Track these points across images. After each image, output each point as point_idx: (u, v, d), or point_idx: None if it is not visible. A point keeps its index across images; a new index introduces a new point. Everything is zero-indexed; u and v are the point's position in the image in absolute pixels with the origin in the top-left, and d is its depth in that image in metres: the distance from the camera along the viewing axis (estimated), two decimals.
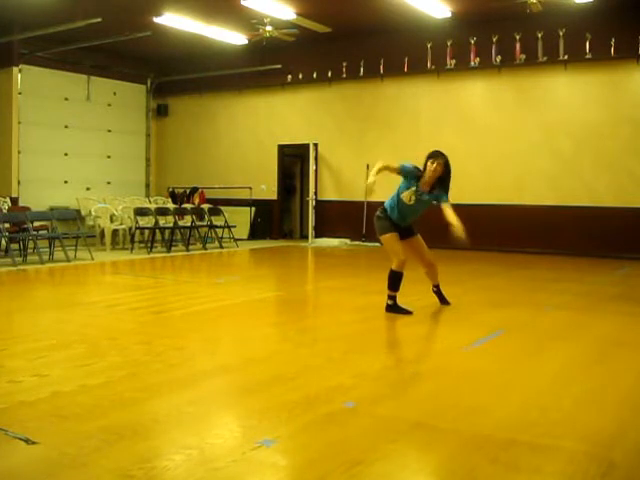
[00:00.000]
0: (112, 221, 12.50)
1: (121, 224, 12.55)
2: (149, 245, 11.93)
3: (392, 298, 5.95)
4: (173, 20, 11.97)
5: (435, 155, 5.76)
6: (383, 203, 6.03)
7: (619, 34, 11.01)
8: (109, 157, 15.39)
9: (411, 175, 5.79)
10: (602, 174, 11.37)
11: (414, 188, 5.77)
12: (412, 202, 5.81)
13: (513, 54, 11.99)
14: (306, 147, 14.16)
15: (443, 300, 6.36)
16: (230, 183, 15.20)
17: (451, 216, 5.64)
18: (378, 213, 6.00)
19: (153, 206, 13.01)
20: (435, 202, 5.83)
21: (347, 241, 13.67)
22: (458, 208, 13.80)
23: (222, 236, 13.00)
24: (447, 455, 2.84)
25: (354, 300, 6.94)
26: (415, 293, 6.65)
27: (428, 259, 6.20)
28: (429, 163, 5.73)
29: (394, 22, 12.23)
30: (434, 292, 6.42)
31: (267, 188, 14.89)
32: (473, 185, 12.42)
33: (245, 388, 3.81)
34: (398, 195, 5.85)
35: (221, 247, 12.66)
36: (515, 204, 12.08)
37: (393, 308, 5.93)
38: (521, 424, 3.19)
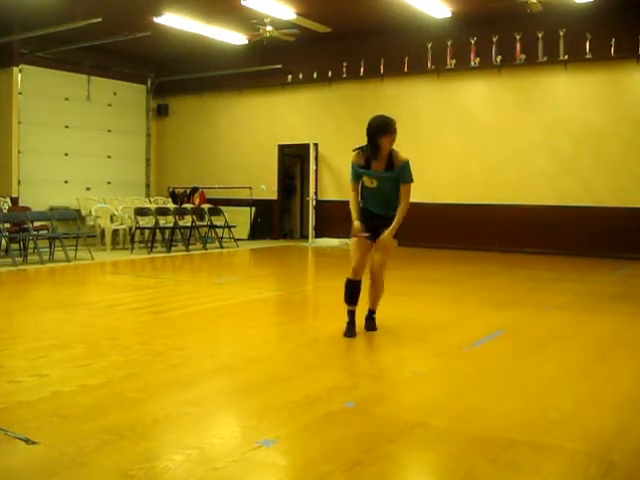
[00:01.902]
0: (112, 221, 12.50)
1: (121, 224, 12.55)
2: (149, 245, 11.93)
3: (349, 313, 5.10)
4: (173, 20, 11.97)
5: (391, 127, 4.81)
6: None
7: (619, 34, 11.01)
8: (109, 157, 15.39)
9: (359, 170, 4.94)
10: (602, 174, 11.36)
11: (370, 173, 4.90)
12: (375, 184, 4.92)
13: (513, 54, 11.98)
14: (306, 147, 14.16)
15: (370, 327, 5.19)
16: (230, 183, 15.20)
17: (395, 221, 4.89)
18: None
19: (153, 206, 13.01)
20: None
21: (347, 241, 13.64)
22: (459, 208, 13.83)
23: (222, 236, 13.00)
24: (447, 455, 2.84)
25: None
26: (414, 292, 6.64)
27: (371, 266, 5.06)
28: (385, 138, 4.77)
29: (394, 22, 12.23)
30: (367, 318, 5.23)
31: (267, 188, 14.89)
32: (473, 185, 12.43)
33: (245, 388, 3.81)
34: (362, 186, 5.01)
35: (221, 247, 12.66)
36: (515, 204, 12.08)
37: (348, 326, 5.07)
38: (521, 424, 3.19)
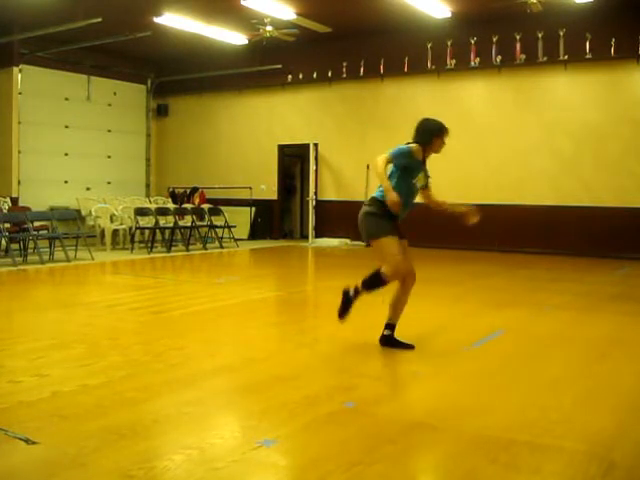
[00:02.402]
0: (112, 221, 12.50)
1: (121, 224, 12.55)
2: (149, 245, 11.93)
3: (356, 292, 4.74)
4: (173, 20, 11.96)
5: (445, 128, 4.73)
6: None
7: (619, 34, 11.00)
8: (109, 157, 15.38)
9: (419, 165, 4.67)
10: (602, 174, 11.36)
11: (426, 171, 4.77)
12: (420, 183, 4.72)
13: (513, 54, 11.98)
14: (306, 147, 14.15)
15: (404, 344, 4.64)
16: (230, 183, 15.20)
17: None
18: (370, 209, 4.62)
19: (153, 206, 13.01)
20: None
21: (347, 241, 13.67)
22: None
23: (222, 236, 13.00)
24: (447, 455, 2.84)
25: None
26: (414, 292, 6.63)
27: (412, 269, 4.67)
28: (440, 140, 4.71)
29: (394, 22, 12.22)
30: (386, 340, 4.65)
31: (267, 188, 14.89)
32: (473, 185, 12.42)
33: (245, 388, 3.81)
34: (405, 180, 4.58)
35: (221, 247, 12.66)
36: (515, 204, 12.07)
37: (345, 302, 4.76)
38: (521, 424, 3.19)
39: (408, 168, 4.60)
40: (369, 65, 13.42)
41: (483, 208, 13.83)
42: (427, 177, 4.80)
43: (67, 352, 4.55)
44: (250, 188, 14.91)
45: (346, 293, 4.78)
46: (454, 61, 12.54)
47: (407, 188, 4.61)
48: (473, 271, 9.59)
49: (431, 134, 4.69)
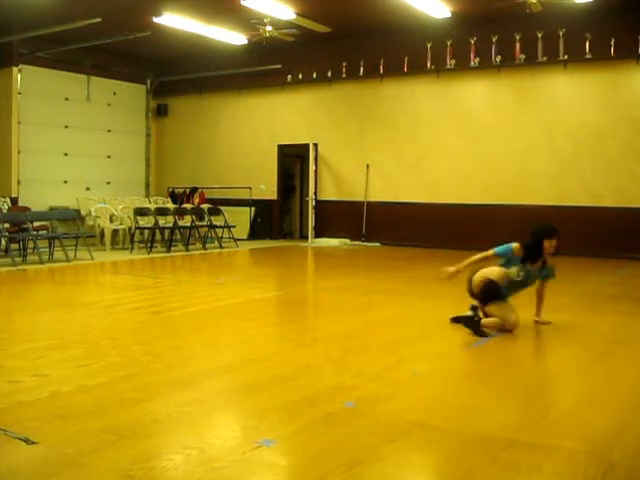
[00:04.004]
0: (112, 221, 12.49)
1: (121, 224, 12.55)
2: (149, 245, 11.93)
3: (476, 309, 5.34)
4: (173, 20, 11.96)
5: (554, 231, 5.45)
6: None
7: (619, 34, 11.00)
8: (109, 157, 15.38)
9: (510, 257, 5.45)
10: (602, 174, 11.36)
11: (520, 266, 5.40)
12: (520, 277, 5.38)
13: (513, 54, 11.98)
14: (306, 147, 14.15)
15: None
16: (230, 183, 15.20)
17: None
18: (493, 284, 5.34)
19: (153, 206, 13.00)
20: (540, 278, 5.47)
21: (347, 241, 13.67)
22: (459, 208, 13.74)
23: (222, 236, 13.00)
24: (447, 455, 2.84)
25: (354, 300, 6.95)
26: (414, 292, 6.64)
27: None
28: (547, 242, 5.40)
29: (394, 22, 12.23)
30: (476, 318, 5.25)
31: (267, 188, 14.89)
32: (473, 185, 12.42)
33: (245, 388, 3.81)
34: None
35: (221, 247, 12.66)
36: (515, 204, 12.07)
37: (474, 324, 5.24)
38: (521, 424, 3.19)
39: (507, 263, 5.39)
40: (369, 65, 13.42)
41: (483, 208, 13.89)
42: (543, 274, 5.48)
43: (66, 352, 4.55)
44: (250, 188, 14.91)
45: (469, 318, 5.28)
46: (454, 61, 12.54)
47: (508, 280, 5.31)
48: (473, 271, 9.56)
49: (540, 236, 5.45)
